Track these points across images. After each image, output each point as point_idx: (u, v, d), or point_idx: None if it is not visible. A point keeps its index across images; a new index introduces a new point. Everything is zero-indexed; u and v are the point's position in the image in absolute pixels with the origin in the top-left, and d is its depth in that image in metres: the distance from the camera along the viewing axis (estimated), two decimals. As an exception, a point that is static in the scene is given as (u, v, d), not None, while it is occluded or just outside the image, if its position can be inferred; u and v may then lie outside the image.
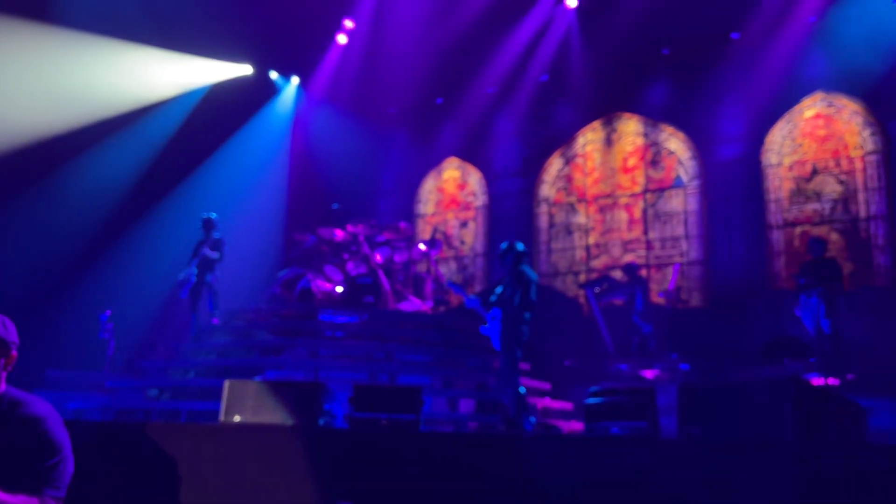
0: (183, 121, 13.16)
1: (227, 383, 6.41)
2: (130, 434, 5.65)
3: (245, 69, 14.43)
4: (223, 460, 5.94)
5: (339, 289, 10.57)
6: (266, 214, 13.53)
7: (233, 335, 9.90)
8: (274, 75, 15.07)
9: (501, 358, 7.33)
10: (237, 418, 6.31)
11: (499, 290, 7.53)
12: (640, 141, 14.19)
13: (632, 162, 14.20)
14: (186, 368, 9.51)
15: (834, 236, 12.11)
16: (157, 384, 9.32)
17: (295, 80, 15.29)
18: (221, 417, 6.31)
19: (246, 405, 6.35)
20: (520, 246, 7.53)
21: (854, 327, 10.07)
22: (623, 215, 14.13)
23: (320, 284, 10.65)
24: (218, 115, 13.34)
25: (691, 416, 5.35)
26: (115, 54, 11.95)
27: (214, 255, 10.22)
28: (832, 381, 8.44)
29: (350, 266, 10.83)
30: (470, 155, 15.87)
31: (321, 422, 6.24)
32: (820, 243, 9.45)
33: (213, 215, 10.48)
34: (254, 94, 14.50)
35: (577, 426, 8.09)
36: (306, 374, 8.66)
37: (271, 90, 15.06)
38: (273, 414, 6.28)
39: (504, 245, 7.56)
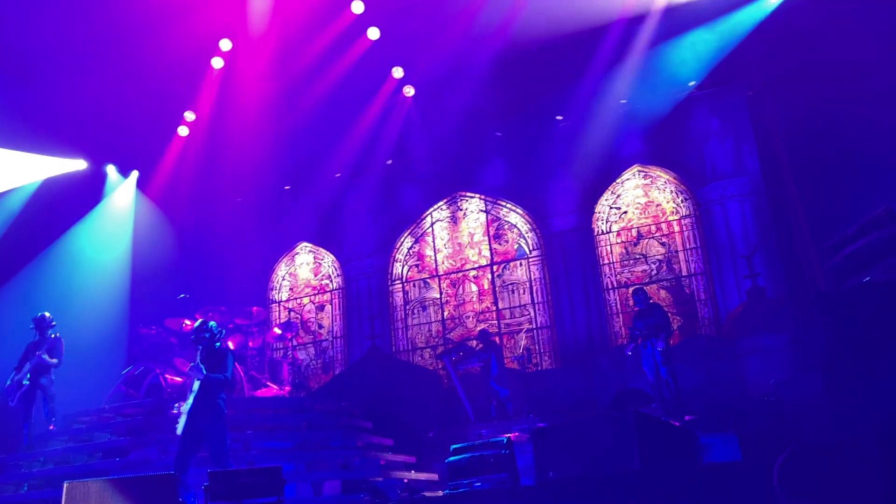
0: (10, 218, 12.36)
1: (66, 485, 5.95)
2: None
3: (78, 164, 13.89)
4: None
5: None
6: (108, 310, 12.79)
7: (73, 440, 9.15)
8: (111, 169, 14.58)
9: (211, 441, 6.93)
10: (79, 523, 5.84)
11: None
12: (483, 217, 14.97)
13: (477, 237, 14.92)
14: (20, 482, 8.63)
15: (662, 293, 13.23)
16: (-16, 505, 8.37)
17: (134, 173, 14.86)
18: (62, 526, 5.81)
19: (89, 508, 5.90)
20: (213, 325, 7.41)
21: (688, 373, 10.94)
22: (473, 288, 14.70)
23: (170, 378, 10.14)
24: (51, 209, 12.69)
25: (547, 460, 5.60)
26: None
27: (52, 360, 9.51)
28: (674, 422, 9.05)
29: (201, 356, 10.40)
30: (322, 239, 15.98)
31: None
32: (642, 293, 10.28)
33: (47, 314, 9.79)
34: (90, 188, 13.95)
35: (444, 494, 8.10)
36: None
37: (109, 184, 14.54)
38: (121, 514, 5.87)
39: (198, 323, 7.41)
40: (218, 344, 7.35)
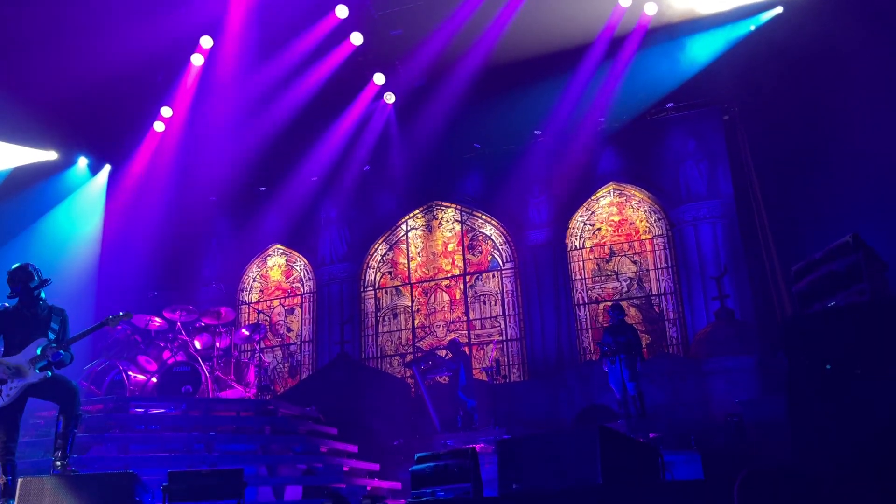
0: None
1: (20, 481, 5.82)
2: None
3: (49, 155, 13.63)
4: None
5: (154, 379, 9.95)
6: (72, 304, 12.52)
7: (29, 435, 8.90)
8: (83, 162, 14.34)
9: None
10: (32, 520, 5.71)
11: None
12: (457, 227, 15.00)
13: (451, 247, 14.93)
14: (-30, 476, 8.39)
15: (632, 311, 13.33)
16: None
17: (106, 167, 14.63)
18: (14, 520, 5.67)
19: (43, 504, 5.76)
20: (43, 274, 6.05)
21: (654, 392, 11.04)
22: (445, 297, 14.69)
23: (133, 376, 9.97)
24: (19, 200, 12.42)
25: (511, 472, 5.59)
26: None
27: None
28: (638, 439, 9.10)
29: (166, 355, 10.25)
30: (295, 242, 15.89)
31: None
32: (618, 309, 10.32)
33: (7, 305, 9.56)
34: (60, 180, 13.69)
35: None
36: (116, 473, 7.95)
37: (80, 177, 14.29)
38: (75, 512, 5.74)
39: (14, 266, 5.99)
40: (44, 301, 6.00)
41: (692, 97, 13.36)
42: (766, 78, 11.74)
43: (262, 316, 12.43)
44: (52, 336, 6.01)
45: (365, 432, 10.72)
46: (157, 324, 10.53)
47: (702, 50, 12.46)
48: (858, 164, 9.93)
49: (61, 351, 5.92)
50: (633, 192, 14.03)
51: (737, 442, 8.02)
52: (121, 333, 10.56)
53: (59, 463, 6.01)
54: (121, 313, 6.41)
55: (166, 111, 13.90)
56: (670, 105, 13.55)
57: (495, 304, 14.34)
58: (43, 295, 6.15)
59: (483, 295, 14.48)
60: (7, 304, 6.13)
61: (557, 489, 5.18)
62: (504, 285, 14.38)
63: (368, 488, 9.17)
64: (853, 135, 9.95)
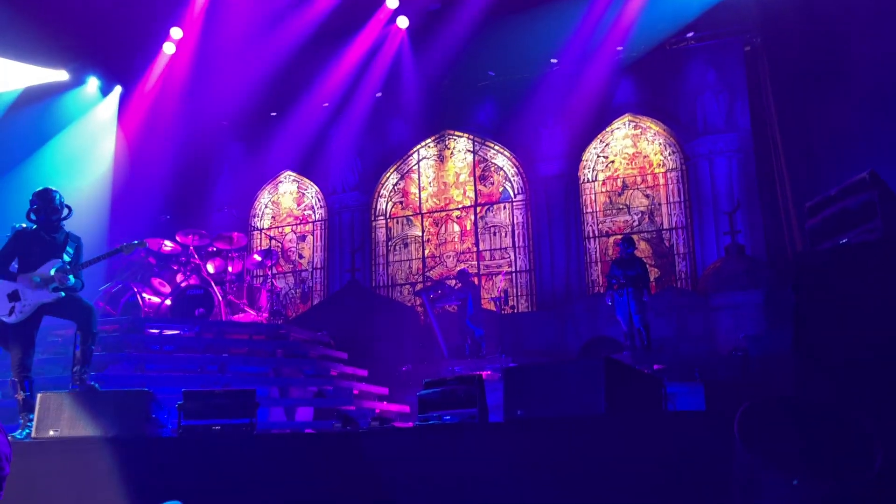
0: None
1: (39, 396, 5.99)
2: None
3: (60, 75, 13.50)
4: (36, 480, 5.52)
5: (168, 301, 10.12)
6: (87, 226, 12.64)
7: (46, 352, 9.16)
8: (93, 82, 14.19)
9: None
10: (51, 433, 5.90)
11: None
12: (469, 157, 14.87)
13: (463, 177, 14.84)
14: (-8, 390, 8.66)
15: (643, 245, 13.32)
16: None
17: (117, 88, 14.49)
18: (33, 433, 5.87)
19: (61, 418, 5.95)
20: (58, 196, 6.12)
21: (661, 325, 11.15)
22: (456, 228, 14.71)
23: (147, 298, 10.14)
24: (30, 120, 12.38)
25: (516, 399, 5.71)
26: None
27: None
28: (643, 370, 9.23)
29: (180, 278, 10.39)
30: (306, 169, 15.83)
31: (148, 432, 5.97)
32: (628, 242, 10.29)
33: (24, 226, 9.65)
34: (71, 101, 13.59)
35: (414, 426, 8.26)
36: (132, 391, 8.19)
37: (91, 98, 14.17)
38: (93, 427, 5.93)
39: (39, 189, 6.14)
40: (64, 227, 6.22)
41: (714, 27, 12.96)
42: (791, 9, 11.35)
43: (273, 242, 12.51)
44: (67, 259, 6.14)
45: (374, 358, 10.94)
46: (170, 247, 10.63)
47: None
48: (882, 101, 9.68)
49: (72, 276, 6.05)
50: (648, 124, 13.81)
51: (741, 375, 8.12)
52: (135, 256, 10.68)
53: (77, 379, 6.20)
54: (135, 242, 6.53)
55: (176, 32, 13.66)
56: (690, 34, 13.17)
57: (505, 236, 14.36)
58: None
59: (493, 226, 14.48)
60: (26, 225, 6.24)
61: (561, 417, 5.30)
62: (515, 217, 14.35)
63: (377, 411, 9.42)
64: (878, 71, 9.67)
